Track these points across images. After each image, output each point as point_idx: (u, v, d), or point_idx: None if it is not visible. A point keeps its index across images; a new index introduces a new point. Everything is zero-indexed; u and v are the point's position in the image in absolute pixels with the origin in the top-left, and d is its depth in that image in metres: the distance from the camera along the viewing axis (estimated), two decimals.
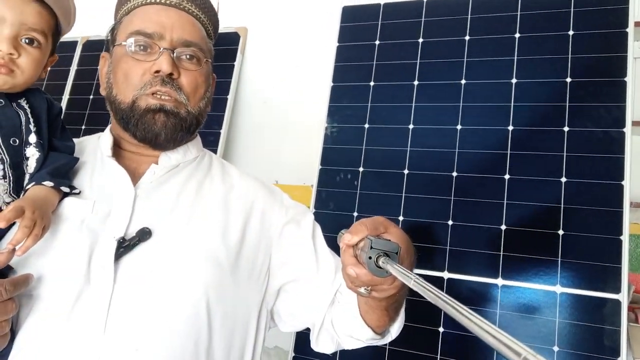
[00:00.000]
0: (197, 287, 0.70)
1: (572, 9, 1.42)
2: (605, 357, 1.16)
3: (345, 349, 0.81)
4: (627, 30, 1.34)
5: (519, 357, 0.29)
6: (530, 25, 1.45)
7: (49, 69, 0.75)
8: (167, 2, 0.79)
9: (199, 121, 0.81)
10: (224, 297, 0.72)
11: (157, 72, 0.74)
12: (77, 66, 2.24)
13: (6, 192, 0.67)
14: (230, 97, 1.98)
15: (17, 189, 0.69)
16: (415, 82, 1.55)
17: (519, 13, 1.48)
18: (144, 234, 0.70)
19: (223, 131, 1.94)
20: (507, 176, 1.37)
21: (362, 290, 0.61)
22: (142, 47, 0.75)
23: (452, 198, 1.41)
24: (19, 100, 0.72)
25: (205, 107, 0.83)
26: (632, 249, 1.60)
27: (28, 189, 0.68)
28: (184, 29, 0.77)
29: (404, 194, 1.46)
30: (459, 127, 1.46)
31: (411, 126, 1.51)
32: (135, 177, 0.77)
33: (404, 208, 1.45)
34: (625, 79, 1.31)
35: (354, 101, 1.61)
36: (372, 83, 1.60)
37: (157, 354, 0.66)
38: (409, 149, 1.49)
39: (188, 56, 0.77)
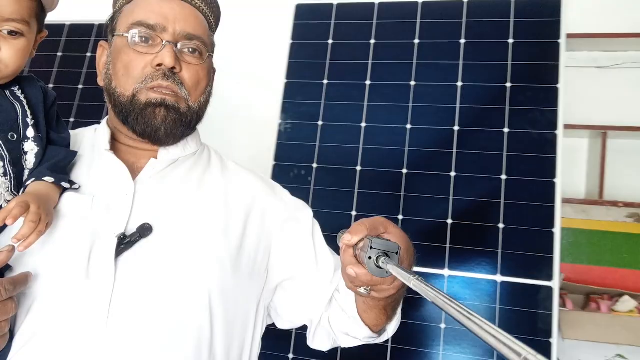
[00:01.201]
0: (199, 284, 0.69)
1: (511, 19, 1.53)
2: (540, 338, 1.27)
3: (342, 346, 0.82)
4: (560, 41, 1.47)
5: (519, 357, 0.29)
6: (474, 32, 1.55)
7: (38, 45, 0.71)
8: None
9: (199, 116, 0.80)
10: (225, 292, 0.71)
11: (159, 65, 0.72)
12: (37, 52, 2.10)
13: (7, 190, 0.64)
14: None
15: (18, 186, 0.66)
16: (367, 82, 1.60)
17: (464, 20, 1.57)
18: (144, 230, 0.68)
19: None
20: (452, 173, 1.45)
21: (361, 290, 0.61)
22: (143, 39, 0.73)
23: (402, 194, 1.47)
24: (12, 89, 0.68)
25: (206, 101, 0.81)
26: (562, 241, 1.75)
27: (28, 185, 0.65)
28: (186, 22, 0.75)
29: (356, 190, 1.51)
30: (408, 126, 1.53)
31: (363, 124, 1.56)
32: (133, 171, 0.75)
33: (357, 203, 1.50)
34: (558, 85, 1.44)
35: (307, 98, 1.64)
36: (325, 81, 1.64)
37: (159, 351, 0.65)
38: (361, 146, 1.55)
39: (190, 50, 0.75)
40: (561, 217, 1.37)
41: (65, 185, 0.68)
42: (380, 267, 0.54)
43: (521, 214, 1.38)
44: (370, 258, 0.54)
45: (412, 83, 1.56)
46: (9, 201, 0.63)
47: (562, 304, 1.50)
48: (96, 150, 0.77)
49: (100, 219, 0.69)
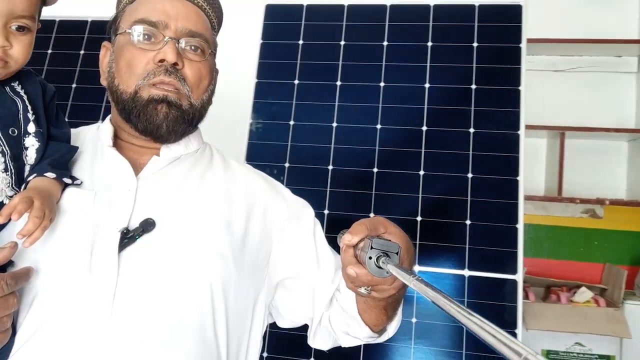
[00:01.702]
0: (202, 278, 0.69)
1: (476, 24, 1.59)
2: (506, 329, 1.32)
3: (343, 346, 0.82)
4: (521, 45, 1.53)
5: (519, 357, 0.29)
6: (440, 35, 1.60)
7: None
8: None
9: (201, 114, 0.80)
10: (227, 287, 0.72)
11: (161, 61, 0.72)
12: None
13: (8, 186, 0.64)
14: None
15: (19, 181, 0.65)
16: (338, 83, 1.63)
17: (430, 24, 1.62)
18: (147, 225, 0.68)
19: None
20: (421, 172, 1.50)
21: (362, 290, 0.61)
22: (146, 36, 0.73)
23: (373, 192, 1.51)
24: (12, 84, 0.67)
25: (208, 100, 0.81)
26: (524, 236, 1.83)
27: (29, 180, 0.65)
28: (189, 19, 0.75)
29: (328, 189, 1.53)
30: (378, 126, 1.56)
31: (334, 124, 1.59)
32: (136, 168, 0.75)
33: (329, 202, 1.52)
34: (520, 88, 1.50)
35: (278, 98, 1.65)
36: (296, 81, 1.65)
37: (162, 346, 0.65)
38: (332, 146, 1.57)
39: (193, 47, 0.75)
40: (525, 213, 1.44)
41: (67, 180, 0.68)
42: (380, 267, 0.54)
43: (486, 211, 1.44)
44: (370, 258, 0.54)
45: (382, 84, 1.60)
46: (10, 197, 0.63)
47: (525, 296, 1.57)
48: (99, 147, 0.77)
49: (102, 214, 0.69)
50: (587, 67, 2.03)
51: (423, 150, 1.52)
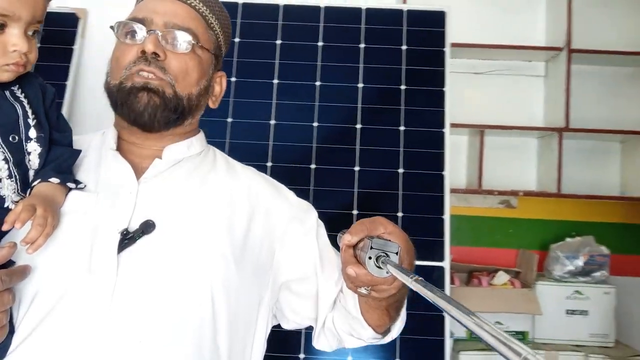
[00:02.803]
0: (202, 279, 0.69)
1: (404, 27, 1.69)
2: (434, 313, 1.44)
3: (347, 347, 0.83)
4: (445, 49, 1.65)
5: (519, 357, 0.29)
6: (372, 38, 1.69)
7: None
8: None
9: (189, 106, 0.77)
10: (228, 290, 0.72)
11: (143, 52, 0.72)
12: None
13: (14, 192, 0.64)
14: (69, 83, 1.84)
15: (24, 187, 0.66)
16: (275, 81, 1.66)
17: (363, 26, 1.70)
18: (147, 227, 0.68)
19: None
20: (356, 168, 1.58)
21: (362, 290, 0.61)
22: (131, 33, 0.74)
23: (311, 187, 1.56)
24: (12, 88, 0.66)
25: (200, 95, 0.79)
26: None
27: (34, 186, 0.65)
28: (175, 15, 0.75)
29: None
30: (315, 124, 1.62)
31: (272, 122, 1.62)
32: (139, 171, 0.75)
33: None
34: (444, 89, 1.62)
35: None
36: (233, 79, 1.67)
37: (161, 346, 0.65)
38: (271, 143, 1.60)
39: (178, 41, 0.75)
40: (451, 205, 1.56)
41: (71, 185, 0.69)
42: (380, 267, 0.55)
43: (416, 203, 1.54)
44: (370, 258, 0.55)
45: (317, 83, 1.65)
46: (16, 202, 0.64)
47: (451, 281, 1.70)
48: (104, 151, 0.77)
49: (104, 215, 0.69)
50: (503, 70, 2.22)
51: (357, 147, 1.59)
